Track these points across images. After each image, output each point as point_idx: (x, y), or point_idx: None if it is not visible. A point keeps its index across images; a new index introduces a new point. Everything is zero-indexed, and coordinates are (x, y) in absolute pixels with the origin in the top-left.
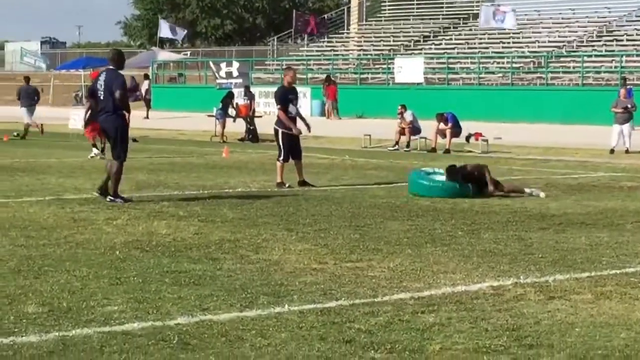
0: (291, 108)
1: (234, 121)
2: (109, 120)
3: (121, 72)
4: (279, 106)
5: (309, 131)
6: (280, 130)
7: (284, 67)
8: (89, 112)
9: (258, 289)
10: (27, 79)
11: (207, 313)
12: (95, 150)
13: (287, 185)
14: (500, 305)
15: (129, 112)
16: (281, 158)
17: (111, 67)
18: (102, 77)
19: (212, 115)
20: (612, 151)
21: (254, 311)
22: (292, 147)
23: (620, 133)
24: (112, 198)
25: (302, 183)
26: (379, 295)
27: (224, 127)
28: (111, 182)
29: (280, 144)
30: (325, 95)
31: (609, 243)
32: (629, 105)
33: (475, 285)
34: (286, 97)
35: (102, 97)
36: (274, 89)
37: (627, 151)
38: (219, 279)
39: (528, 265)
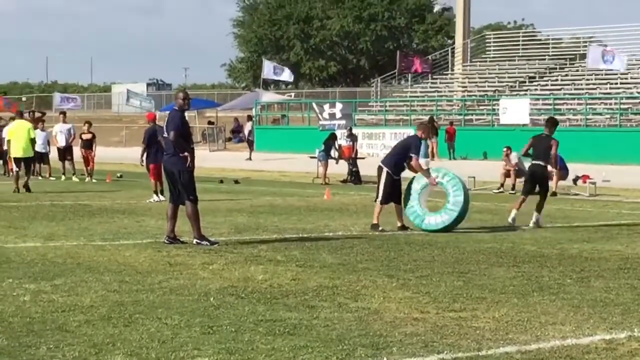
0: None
1: (337, 163)
2: (171, 161)
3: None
4: (415, 155)
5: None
6: (385, 170)
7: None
8: (145, 154)
9: (356, 340)
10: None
11: None
12: (154, 197)
13: (380, 228)
14: None
15: (189, 152)
16: (379, 200)
17: (175, 107)
18: (167, 118)
19: (315, 157)
20: None
21: None
22: (393, 189)
23: None
24: (198, 241)
25: (402, 228)
26: (483, 348)
27: (326, 168)
28: (192, 227)
29: (382, 185)
30: (430, 137)
31: None
32: None
33: (587, 339)
34: (419, 149)
35: (165, 138)
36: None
37: None
38: (315, 328)
39: None
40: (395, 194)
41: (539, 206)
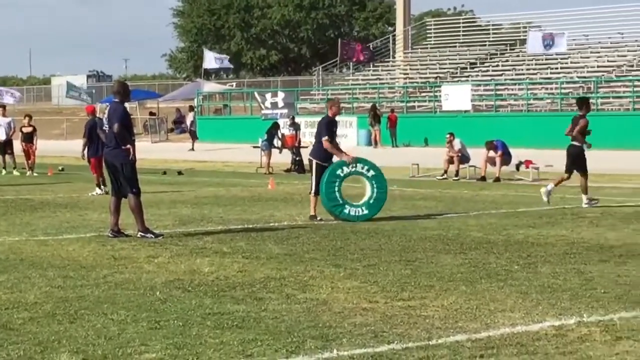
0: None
1: (280, 152)
2: (112, 154)
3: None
4: (325, 137)
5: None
6: (314, 162)
7: (329, 97)
8: (86, 147)
9: (305, 331)
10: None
11: (250, 359)
12: (97, 190)
13: (319, 218)
14: (564, 348)
15: (131, 144)
16: (313, 191)
17: (116, 99)
18: (107, 110)
19: (258, 147)
20: None
21: (300, 357)
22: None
23: None
24: (142, 234)
25: (313, 217)
26: (433, 337)
27: (269, 158)
28: (135, 220)
29: (314, 176)
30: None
31: None
32: None
33: (536, 325)
34: (332, 129)
35: (107, 131)
36: (320, 118)
37: None
38: (263, 320)
39: (590, 301)
40: None
41: (583, 188)
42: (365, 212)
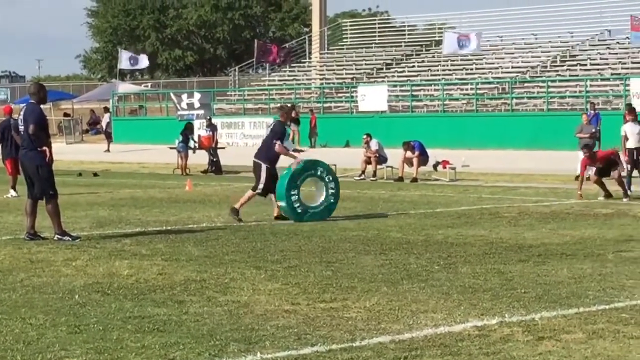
0: (286, 144)
1: (194, 152)
2: (28, 156)
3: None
4: (278, 141)
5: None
6: (263, 165)
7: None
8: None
9: (227, 334)
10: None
11: None
12: (12, 192)
13: (239, 217)
14: (487, 348)
15: (47, 146)
16: (258, 190)
17: (32, 101)
18: (22, 112)
19: (174, 148)
20: (577, 177)
21: None
22: (273, 184)
23: None
24: (59, 237)
25: (280, 217)
26: (357, 339)
27: (186, 159)
28: (52, 222)
29: (263, 179)
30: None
31: (593, 275)
32: (594, 130)
33: (459, 326)
34: (285, 135)
35: (22, 133)
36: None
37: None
38: (185, 324)
39: (512, 301)
40: (274, 187)
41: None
42: (326, 212)
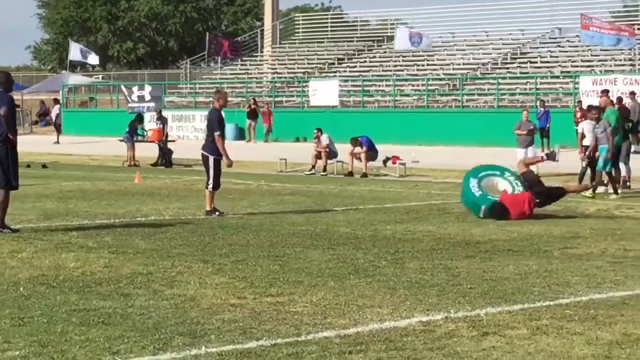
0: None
1: (145, 139)
2: None
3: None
4: (217, 133)
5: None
6: (211, 157)
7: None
8: None
9: (173, 328)
10: None
11: (117, 357)
12: None
13: (217, 213)
14: (432, 344)
15: (14, 133)
16: (210, 186)
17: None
18: None
19: (123, 140)
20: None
21: (168, 354)
22: (221, 174)
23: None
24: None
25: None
26: (302, 333)
27: (133, 151)
28: None
29: (211, 171)
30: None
31: (539, 272)
32: (532, 127)
33: (404, 321)
34: (222, 122)
35: None
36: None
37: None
38: (130, 317)
39: (457, 297)
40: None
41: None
42: None
